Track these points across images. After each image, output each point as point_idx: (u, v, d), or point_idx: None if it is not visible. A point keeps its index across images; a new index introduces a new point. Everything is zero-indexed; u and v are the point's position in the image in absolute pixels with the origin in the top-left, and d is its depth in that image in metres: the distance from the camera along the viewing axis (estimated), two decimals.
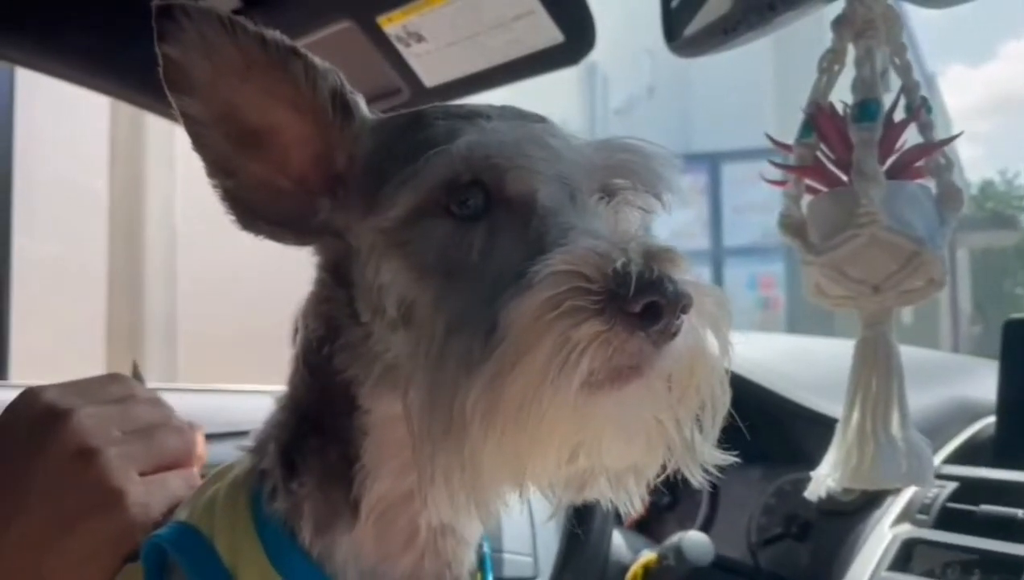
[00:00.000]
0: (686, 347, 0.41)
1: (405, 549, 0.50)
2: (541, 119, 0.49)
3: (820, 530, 1.02)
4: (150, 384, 0.74)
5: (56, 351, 2.96)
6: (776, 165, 0.67)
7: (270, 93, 0.47)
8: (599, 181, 0.46)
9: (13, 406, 0.52)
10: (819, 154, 0.66)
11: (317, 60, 0.47)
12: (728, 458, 0.46)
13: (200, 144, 0.47)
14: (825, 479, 0.63)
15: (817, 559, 1.01)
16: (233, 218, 0.48)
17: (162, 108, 1.22)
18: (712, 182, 5.75)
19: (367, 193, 0.46)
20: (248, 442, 0.53)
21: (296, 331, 0.52)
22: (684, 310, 0.40)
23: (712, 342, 0.43)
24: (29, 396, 0.52)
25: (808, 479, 0.67)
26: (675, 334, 0.40)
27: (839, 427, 0.64)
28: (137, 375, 0.74)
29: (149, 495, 0.51)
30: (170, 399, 0.61)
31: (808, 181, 0.66)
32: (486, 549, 0.55)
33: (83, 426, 0.50)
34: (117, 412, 0.52)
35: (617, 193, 0.47)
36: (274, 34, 0.46)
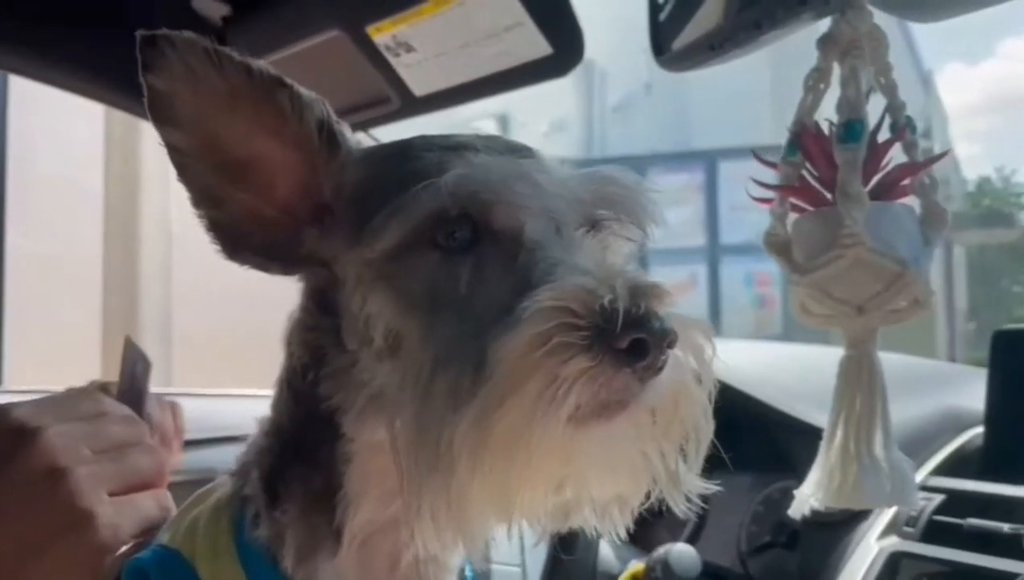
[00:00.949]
0: (671, 381, 0.42)
1: (387, 576, 0.50)
2: (529, 151, 0.49)
3: (808, 539, 1.02)
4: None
5: (51, 351, 2.96)
6: (760, 184, 0.67)
7: (256, 123, 0.47)
8: (585, 214, 0.47)
9: None
10: (804, 173, 0.66)
11: (303, 90, 0.47)
12: (711, 487, 0.47)
13: (185, 174, 0.47)
14: (808, 498, 0.63)
15: (805, 568, 1.01)
16: (219, 248, 0.48)
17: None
18: (709, 180, 5.75)
19: (354, 224, 0.46)
20: (231, 467, 0.54)
21: (282, 355, 0.52)
22: (670, 345, 0.40)
23: (695, 374, 0.43)
24: None
25: (797, 487, 0.67)
26: (660, 369, 0.40)
27: (822, 446, 0.64)
28: (133, 348, 0.73)
29: (119, 516, 0.50)
30: None
31: (793, 200, 0.66)
32: (468, 574, 0.55)
33: (52, 445, 0.49)
34: (88, 430, 0.52)
35: (603, 225, 0.48)
36: (260, 64, 0.46)
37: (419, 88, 0.99)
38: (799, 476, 0.67)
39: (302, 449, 0.49)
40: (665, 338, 0.39)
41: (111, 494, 0.50)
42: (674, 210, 5.48)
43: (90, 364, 3.16)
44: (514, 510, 0.41)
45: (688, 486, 0.45)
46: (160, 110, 0.46)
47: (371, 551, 0.49)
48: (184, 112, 0.46)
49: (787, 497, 1.02)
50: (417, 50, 0.94)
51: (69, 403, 0.53)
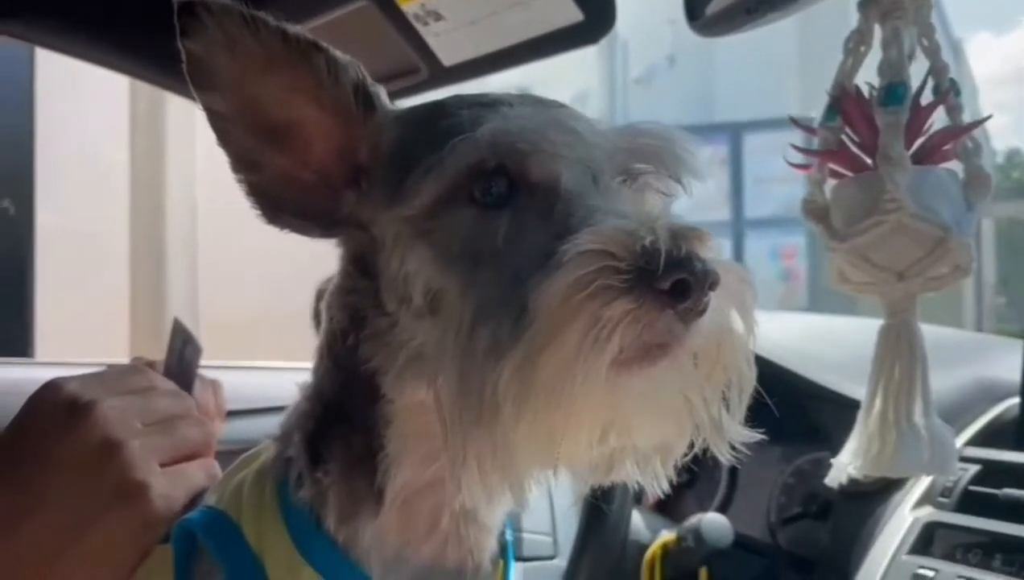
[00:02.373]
0: (713, 325, 0.41)
1: (428, 536, 0.51)
2: (561, 106, 0.49)
3: (840, 510, 1.02)
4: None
5: (80, 326, 3.00)
6: (799, 149, 0.66)
7: (292, 87, 0.47)
8: (621, 164, 0.46)
9: (35, 398, 0.52)
10: (844, 138, 0.65)
11: (339, 53, 0.47)
12: (755, 435, 0.46)
13: (224, 139, 0.48)
14: (846, 466, 0.63)
15: (837, 539, 1.01)
16: (258, 212, 0.49)
17: (182, 89, 1.23)
18: (733, 153, 5.68)
19: (391, 184, 0.46)
20: (273, 433, 0.54)
21: (319, 320, 0.53)
22: (712, 287, 0.40)
23: (737, 320, 0.43)
24: (51, 388, 0.52)
25: (827, 458, 0.67)
26: (703, 312, 0.40)
27: (861, 414, 0.63)
28: (181, 331, 0.73)
29: (171, 486, 0.51)
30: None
31: (832, 166, 0.65)
32: (508, 536, 0.56)
33: (106, 418, 0.50)
34: (138, 404, 0.52)
35: (639, 176, 0.47)
36: (296, 29, 0.46)
37: (448, 57, 0.98)
38: (830, 447, 0.67)
39: (343, 412, 0.50)
40: (707, 279, 0.39)
41: (162, 465, 0.51)
42: (697, 184, 5.44)
43: (119, 337, 3.20)
44: (559, 458, 0.41)
45: (731, 434, 0.45)
46: (199, 76, 0.46)
47: (412, 511, 0.50)
48: (222, 77, 0.46)
49: (818, 468, 1.02)
50: (446, 18, 0.93)
51: (119, 378, 0.54)
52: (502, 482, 0.41)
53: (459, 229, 0.44)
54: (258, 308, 3.34)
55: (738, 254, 5.37)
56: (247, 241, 3.48)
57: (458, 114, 0.46)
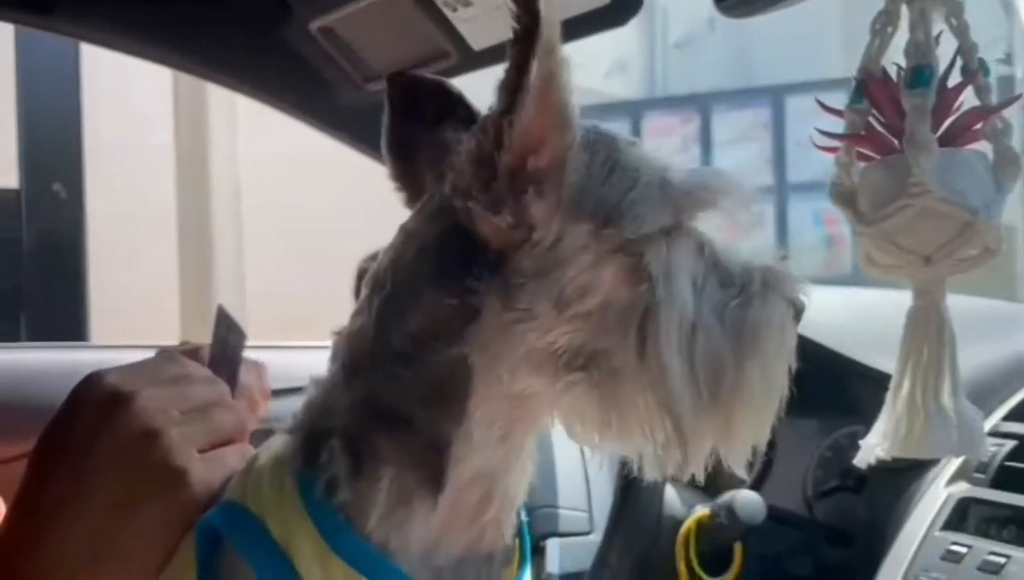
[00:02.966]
0: None
1: (469, 525, 0.52)
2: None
3: (876, 485, 1.02)
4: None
5: (132, 306, 3.07)
6: (825, 133, 0.66)
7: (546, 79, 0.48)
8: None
9: (77, 391, 0.54)
10: (871, 120, 0.64)
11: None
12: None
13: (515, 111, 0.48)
14: (874, 448, 0.64)
15: (873, 513, 1.01)
16: (484, 197, 0.49)
17: (220, 78, 1.26)
18: (775, 116, 5.55)
19: (582, 201, 0.51)
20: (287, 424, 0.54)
21: (372, 305, 0.52)
22: None
23: None
24: (92, 381, 0.53)
25: (864, 433, 0.67)
26: None
27: (889, 396, 0.64)
28: (225, 318, 0.75)
29: (209, 471, 0.53)
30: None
31: (859, 148, 0.65)
32: (524, 517, 0.57)
33: (144, 408, 0.52)
34: (175, 393, 0.54)
35: None
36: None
37: (477, 42, 0.99)
38: (866, 422, 0.67)
39: (396, 412, 0.50)
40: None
41: (200, 451, 0.53)
42: (739, 149, 5.31)
43: (169, 317, 3.28)
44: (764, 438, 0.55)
45: None
46: None
47: (459, 503, 0.51)
48: None
49: (855, 442, 1.02)
50: (474, 4, 0.94)
51: (156, 368, 0.55)
52: (726, 457, 0.53)
53: (677, 255, 0.52)
54: (304, 285, 3.39)
55: (781, 219, 5.24)
56: (290, 220, 3.53)
57: (628, 151, 0.53)
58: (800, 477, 1.11)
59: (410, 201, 0.58)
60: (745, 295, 0.53)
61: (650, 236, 0.51)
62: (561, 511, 1.08)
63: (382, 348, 0.51)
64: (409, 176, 0.59)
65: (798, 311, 0.56)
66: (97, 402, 0.52)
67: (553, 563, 1.13)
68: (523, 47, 0.46)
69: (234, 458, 0.55)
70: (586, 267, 0.50)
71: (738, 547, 0.99)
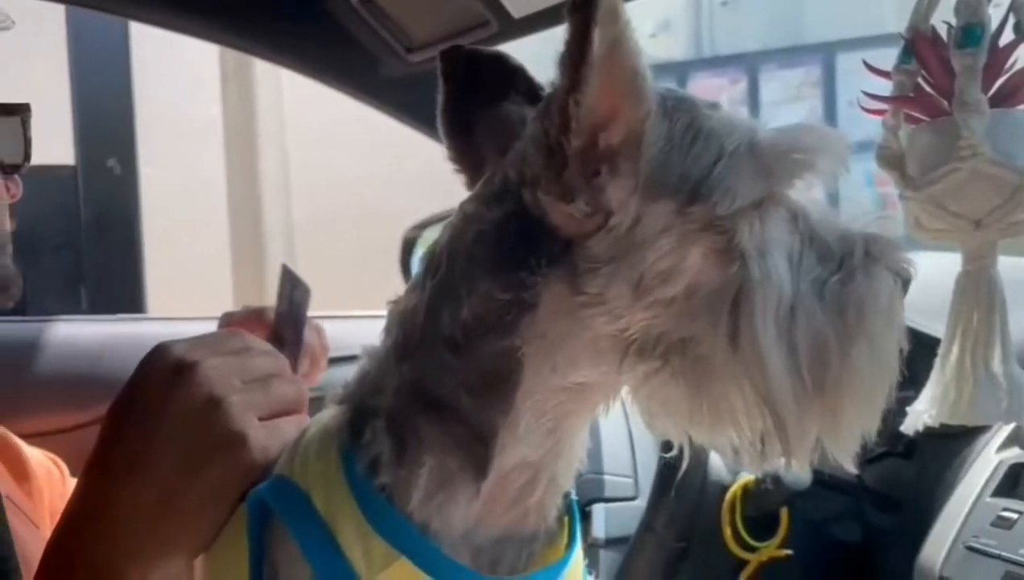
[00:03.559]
0: None
1: (512, 507, 0.51)
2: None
3: (927, 450, 1.01)
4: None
5: (186, 278, 3.13)
6: (872, 96, 0.65)
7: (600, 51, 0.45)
8: None
9: (145, 361, 0.56)
10: (920, 81, 0.63)
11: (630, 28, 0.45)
12: None
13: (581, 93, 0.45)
14: (922, 415, 0.63)
15: (922, 478, 1.00)
16: (554, 187, 0.46)
17: (265, 52, 1.27)
18: (826, 74, 5.41)
19: (663, 177, 0.47)
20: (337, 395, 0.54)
21: (408, 271, 0.53)
22: None
23: None
24: (159, 351, 0.56)
25: (914, 398, 0.67)
26: None
27: (938, 362, 0.63)
28: (289, 275, 0.76)
29: (268, 438, 0.55)
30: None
31: (908, 111, 0.64)
32: (573, 495, 0.56)
33: (208, 376, 0.54)
34: (237, 363, 0.56)
35: None
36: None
37: (517, 10, 0.98)
38: (916, 387, 0.67)
39: (441, 400, 0.49)
40: None
41: (259, 419, 0.55)
42: (788, 109, 5.19)
43: (222, 288, 3.34)
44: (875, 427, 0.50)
45: None
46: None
47: (503, 486, 0.50)
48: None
49: (904, 407, 1.01)
50: None
51: (219, 340, 0.58)
52: (833, 449, 0.49)
53: (771, 229, 0.48)
54: (355, 255, 3.42)
55: (832, 181, 5.12)
56: (338, 190, 3.56)
57: (710, 116, 0.48)
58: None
59: (470, 181, 0.55)
60: (846, 269, 0.48)
61: (741, 210, 0.47)
62: (607, 477, 1.09)
63: (433, 332, 0.50)
64: (468, 155, 0.55)
65: (905, 282, 0.50)
66: (164, 371, 0.55)
67: (599, 528, 1.15)
68: (583, 14, 0.42)
69: (292, 427, 0.57)
70: (669, 250, 0.47)
71: (784, 512, 0.99)
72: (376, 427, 0.50)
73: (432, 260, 0.52)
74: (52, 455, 0.88)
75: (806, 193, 0.51)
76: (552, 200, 0.46)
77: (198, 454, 0.53)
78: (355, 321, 1.46)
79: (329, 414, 0.54)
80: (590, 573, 0.60)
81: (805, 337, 0.47)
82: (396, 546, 0.49)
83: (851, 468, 0.51)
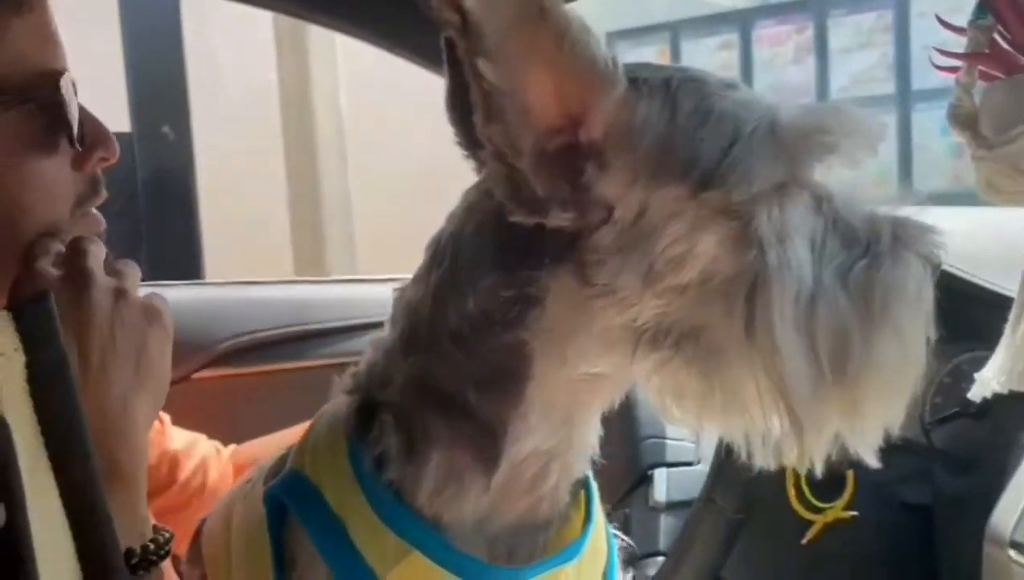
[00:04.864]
0: None
1: (523, 497, 0.53)
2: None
3: (1000, 411, 1.00)
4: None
5: (245, 243, 3.20)
6: (946, 53, 0.65)
7: (533, 51, 0.43)
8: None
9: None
10: (996, 37, 0.63)
11: (576, 17, 0.44)
12: None
13: (497, 118, 0.44)
14: (991, 381, 0.64)
15: (995, 440, 1.00)
16: (519, 206, 0.45)
17: (318, 17, 1.29)
18: (898, 18, 5.22)
19: (660, 162, 0.46)
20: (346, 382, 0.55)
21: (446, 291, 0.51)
22: None
23: None
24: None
25: (987, 358, 0.67)
26: None
27: (1007, 329, 0.64)
28: None
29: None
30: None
31: (982, 68, 0.64)
32: (590, 476, 0.57)
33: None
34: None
35: None
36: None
37: None
38: (989, 347, 0.67)
39: (452, 394, 0.49)
40: None
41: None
42: (859, 56, 5.03)
43: (281, 253, 3.41)
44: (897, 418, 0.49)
45: None
46: (473, 38, 0.42)
47: (515, 478, 0.51)
48: (492, 40, 0.42)
49: (976, 367, 1.00)
50: None
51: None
52: (852, 440, 0.49)
53: (791, 215, 0.47)
54: (413, 217, 3.44)
55: (904, 131, 4.97)
56: (393, 154, 3.57)
57: (724, 96, 0.47)
58: (917, 404, 1.09)
59: (480, 167, 0.53)
60: (873, 255, 0.47)
61: (760, 195, 0.46)
62: (668, 441, 1.11)
63: (439, 326, 0.50)
64: (475, 142, 0.52)
65: (935, 268, 0.49)
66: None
67: (660, 492, 1.18)
68: (463, 46, 0.41)
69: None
70: (680, 236, 0.45)
71: (850, 474, 1.00)
72: (384, 422, 0.51)
73: (436, 251, 0.52)
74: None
75: (832, 173, 0.50)
76: (530, 216, 0.46)
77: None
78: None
79: (337, 405, 0.56)
80: (618, 539, 0.61)
81: (826, 326, 0.46)
82: (408, 540, 0.50)
83: (873, 463, 0.50)
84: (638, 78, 0.47)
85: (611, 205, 0.46)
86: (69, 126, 0.63)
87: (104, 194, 0.68)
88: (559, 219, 0.46)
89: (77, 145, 0.65)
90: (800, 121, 0.47)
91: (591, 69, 0.44)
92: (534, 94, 0.44)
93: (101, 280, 0.57)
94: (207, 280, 2.88)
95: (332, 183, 3.55)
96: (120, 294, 0.57)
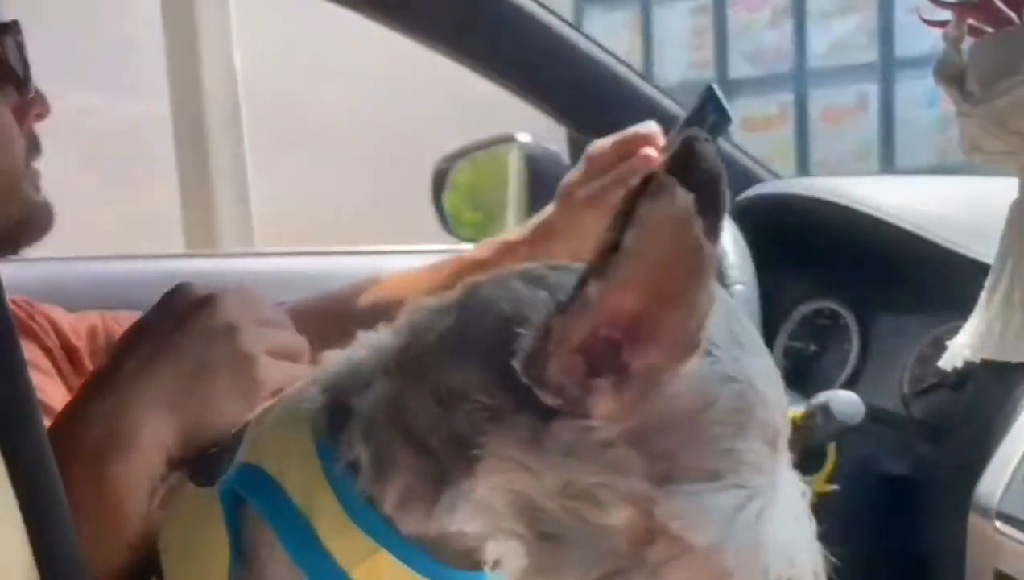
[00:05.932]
0: None
1: None
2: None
3: (980, 382, 1.01)
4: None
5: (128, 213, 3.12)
6: (936, 3, 0.63)
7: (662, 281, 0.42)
8: None
9: (167, 295, 0.64)
10: None
11: None
12: None
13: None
14: (963, 348, 0.63)
15: (975, 412, 1.00)
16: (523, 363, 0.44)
17: None
18: None
19: (656, 435, 0.45)
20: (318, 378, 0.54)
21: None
22: None
23: None
24: (182, 287, 0.64)
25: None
26: None
27: (983, 296, 0.63)
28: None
29: (274, 370, 0.62)
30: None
31: (971, 21, 0.62)
32: None
33: (228, 308, 0.62)
34: (252, 305, 0.65)
35: None
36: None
37: None
38: (966, 315, 0.66)
39: (421, 436, 0.48)
40: None
41: (268, 354, 0.62)
42: (839, 21, 4.98)
43: (172, 232, 3.30)
44: None
45: None
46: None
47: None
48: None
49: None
50: None
51: (233, 287, 0.65)
52: None
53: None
54: (314, 190, 3.38)
55: (887, 102, 4.93)
56: (293, 121, 3.44)
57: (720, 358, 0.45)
58: (897, 374, 1.10)
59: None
60: None
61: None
62: None
63: (428, 372, 0.49)
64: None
65: None
66: (187, 299, 0.63)
67: None
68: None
69: (297, 368, 0.64)
70: (618, 506, 0.44)
71: (831, 447, 1.00)
72: (353, 430, 0.50)
73: (469, 295, 0.50)
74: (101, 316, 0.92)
75: None
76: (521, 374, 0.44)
77: (211, 363, 0.61)
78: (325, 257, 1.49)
79: (297, 396, 0.55)
80: None
81: None
82: (376, 539, 0.49)
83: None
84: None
85: (588, 415, 0.44)
86: (16, 75, 0.67)
87: (42, 149, 0.68)
88: (545, 397, 0.44)
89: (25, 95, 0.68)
90: None
91: (689, 325, 0.41)
92: (631, 307, 0.42)
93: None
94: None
95: (225, 149, 3.41)
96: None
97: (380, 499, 0.50)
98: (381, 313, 0.54)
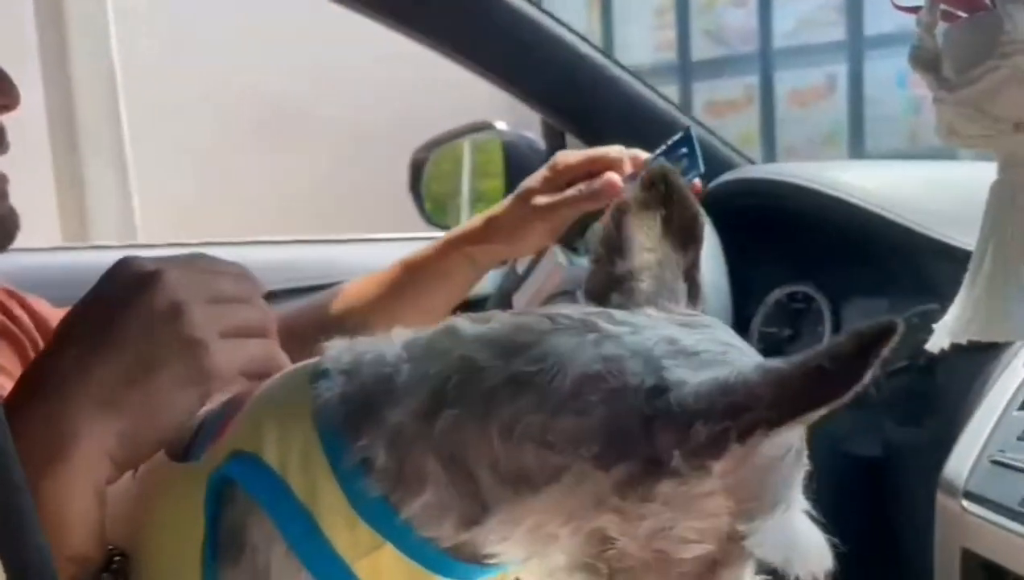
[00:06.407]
0: None
1: None
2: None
3: (949, 364, 1.02)
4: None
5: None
6: None
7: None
8: None
9: (109, 271, 0.57)
10: None
11: None
12: None
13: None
14: (948, 331, 0.63)
15: (945, 393, 1.02)
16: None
17: None
18: None
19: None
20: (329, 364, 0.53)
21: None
22: None
23: None
24: (124, 262, 0.57)
25: (938, 311, 0.67)
26: None
27: (967, 277, 0.63)
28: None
29: (228, 351, 0.56)
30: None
31: (945, 6, 0.62)
32: None
33: (173, 285, 0.55)
34: (203, 280, 0.57)
35: None
36: None
37: None
38: (942, 301, 0.67)
39: (473, 468, 0.49)
40: None
41: (221, 335, 0.56)
42: None
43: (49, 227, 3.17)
44: None
45: None
46: None
47: None
48: None
49: (927, 321, 1.01)
50: None
51: (187, 258, 0.59)
52: None
53: None
54: (203, 179, 3.28)
55: (855, 83, 4.87)
56: (173, 110, 3.30)
57: None
58: None
59: None
60: None
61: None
62: None
63: (494, 409, 0.48)
64: None
65: None
66: (127, 278, 0.56)
67: None
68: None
69: (257, 346, 0.58)
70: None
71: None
72: (375, 435, 0.50)
73: (518, 338, 0.50)
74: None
75: None
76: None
77: (155, 354, 0.54)
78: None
79: (299, 383, 0.54)
80: None
81: None
82: (382, 534, 0.49)
83: None
84: None
85: (709, 474, 0.47)
86: None
87: (8, 145, 0.63)
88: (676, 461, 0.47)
89: None
90: None
91: (763, 505, 0.48)
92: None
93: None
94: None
95: (101, 156, 3.24)
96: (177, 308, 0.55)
97: (397, 503, 0.49)
98: (354, 325, 0.53)
